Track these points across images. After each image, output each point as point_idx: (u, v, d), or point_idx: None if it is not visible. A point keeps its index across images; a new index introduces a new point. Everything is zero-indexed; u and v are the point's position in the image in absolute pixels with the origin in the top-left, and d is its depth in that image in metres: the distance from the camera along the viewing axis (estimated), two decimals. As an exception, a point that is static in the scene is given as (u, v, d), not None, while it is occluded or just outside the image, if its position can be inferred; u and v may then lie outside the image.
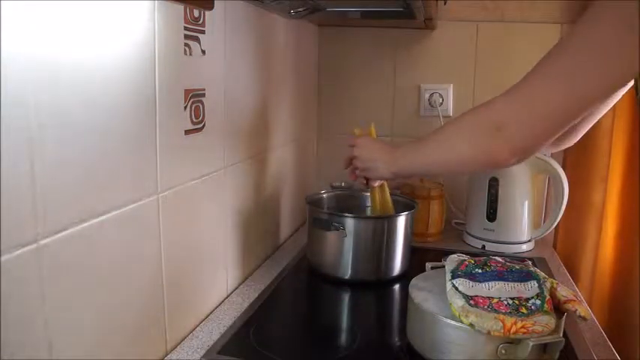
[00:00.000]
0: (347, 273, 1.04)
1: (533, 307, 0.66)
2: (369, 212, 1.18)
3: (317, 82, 1.52)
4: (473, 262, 0.79)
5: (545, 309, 0.66)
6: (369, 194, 1.12)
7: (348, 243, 1.02)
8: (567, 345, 0.76)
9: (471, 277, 0.74)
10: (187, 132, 0.78)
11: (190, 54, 0.77)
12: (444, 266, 0.81)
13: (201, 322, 0.87)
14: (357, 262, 1.03)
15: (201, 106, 0.82)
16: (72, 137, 0.54)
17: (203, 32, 0.80)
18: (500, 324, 0.64)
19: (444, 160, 0.80)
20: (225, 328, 0.85)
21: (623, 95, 0.79)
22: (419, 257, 1.10)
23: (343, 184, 1.20)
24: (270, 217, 1.21)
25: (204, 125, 0.83)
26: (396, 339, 0.86)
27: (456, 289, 0.71)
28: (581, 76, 0.62)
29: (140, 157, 0.67)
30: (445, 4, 1.23)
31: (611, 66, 0.60)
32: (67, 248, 0.55)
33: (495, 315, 0.65)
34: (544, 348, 0.65)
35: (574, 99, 0.63)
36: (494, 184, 1.24)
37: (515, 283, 0.72)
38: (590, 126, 0.89)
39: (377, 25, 1.44)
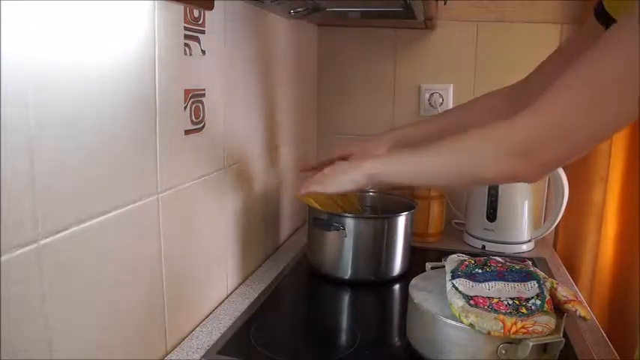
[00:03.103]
0: (347, 273, 1.04)
1: (533, 307, 0.66)
2: (369, 212, 1.18)
3: (317, 82, 1.52)
4: (473, 262, 0.79)
5: (545, 309, 0.66)
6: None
7: (348, 243, 1.02)
8: (567, 345, 0.76)
9: (471, 277, 0.74)
10: (187, 132, 0.78)
11: (190, 54, 0.77)
12: (444, 266, 0.81)
13: (201, 322, 0.87)
14: (357, 262, 1.03)
15: (201, 106, 0.82)
16: (72, 137, 0.54)
17: (203, 32, 0.80)
18: (501, 324, 0.64)
19: (451, 174, 0.70)
20: (225, 328, 0.85)
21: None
22: (419, 257, 1.10)
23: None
24: (270, 217, 1.21)
25: (204, 125, 0.83)
26: (396, 339, 0.86)
27: (456, 289, 0.71)
28: (622, 86, 0.54)
29: (140, 157, 0.67)
30: (445, 4, 1.23)
31: None
32: (67, 248, 0.55)
33: (495, 315, 0.65)
34: (544, 348, 0.65)
35: (614, 115, 0.56)
36: (494, 184, 1.24)
37: (516, 283, 0.72)
38: None
39: (377, 25, 1.44)
